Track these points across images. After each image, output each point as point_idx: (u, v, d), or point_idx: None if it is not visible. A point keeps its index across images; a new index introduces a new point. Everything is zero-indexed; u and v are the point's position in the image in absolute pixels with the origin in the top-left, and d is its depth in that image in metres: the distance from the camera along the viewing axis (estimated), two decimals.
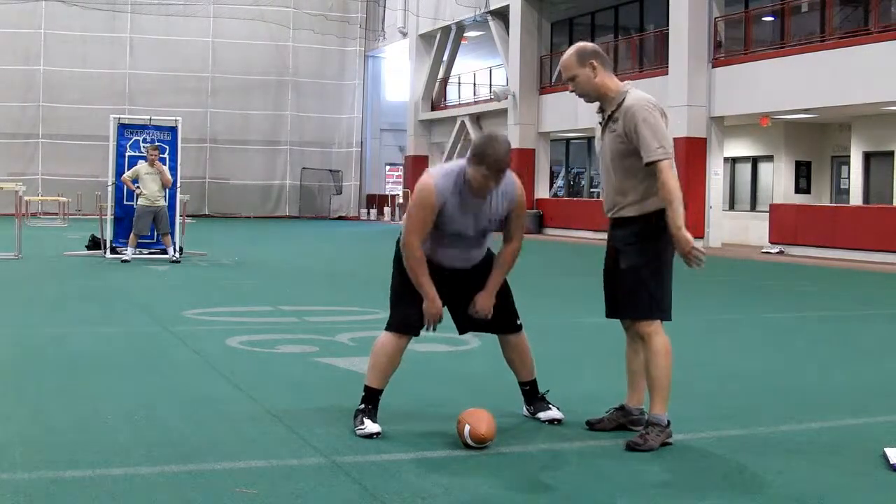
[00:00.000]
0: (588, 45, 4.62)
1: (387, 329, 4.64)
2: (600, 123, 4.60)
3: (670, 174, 4.32)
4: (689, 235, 4.35)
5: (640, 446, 4.32)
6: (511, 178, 4.55)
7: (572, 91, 4.60)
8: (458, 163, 4.54)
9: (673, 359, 4.48)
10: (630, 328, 4.61)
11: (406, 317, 4.58)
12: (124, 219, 15.35)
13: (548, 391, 4.93)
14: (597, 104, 4.61)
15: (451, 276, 4.64)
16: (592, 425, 4.70)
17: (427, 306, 4.53)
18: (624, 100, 4.44)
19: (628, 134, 4.39)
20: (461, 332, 4.91)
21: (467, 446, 4.29)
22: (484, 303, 4.62)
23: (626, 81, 4.59)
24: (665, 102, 23.32)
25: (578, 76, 4.50)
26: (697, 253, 4.34)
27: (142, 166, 14.74)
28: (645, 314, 4.46)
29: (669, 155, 4.35)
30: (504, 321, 4.74)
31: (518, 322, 4.79)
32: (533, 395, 4.90)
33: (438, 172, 4.53)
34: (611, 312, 4.67)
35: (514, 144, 29.22)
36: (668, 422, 4.43)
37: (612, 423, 4.67)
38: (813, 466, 4.19)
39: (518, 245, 4.66)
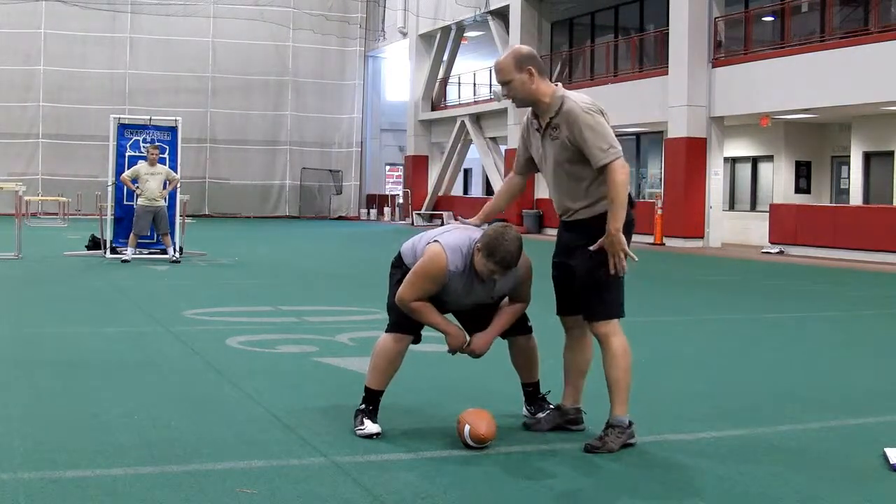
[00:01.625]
0: (525, 48, 4.53)
1: (387, 330, 4.64)
2: (537, 130, 4.52)
3: (621, 172, 4.26)
4: (623, 238, 4.28)
5: (599, 448, 4.27)
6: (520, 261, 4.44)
7: (506, 95, 4.52)
8: (469, 239, 4.44)
9: (632, 359, 4.44)
10: (574, 327, 4.59)
11: (404, 318, 4.56)
12: (124, 219, 15.35)
13: (549, 392, 4.92)
14: (528, 109, 4.53)
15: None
16: (529, 427, 4.68)
17: (450, 341, 4.52)
18: (562, 105, 4.37)
19: (573, 141, 4.33)
20: (470, 334, 4.89)
21: (467, 446, 4.29)
22: (480, 344, 4.54)
23: (557, 85, 4.50)
24: (665, 102, 23.51)
25: (514, 81, 4.41)
26: (623, 263, 4.27)
27: (142, 166, 14.74)
28: (601, 315, 4.40)
29: (619, 153, 4.30)
30: (516, 322, 4.71)
31: (529, 324, 4.77)
32: (534, 396, 4.89)
33: (450, 247, 4.42)
34: (562, 310, 4.63)
35: (514, 144, 29.23)
36: (630, 423, 4.39)
37: (549, 423, 4.65)
38: (813, 466, 4.19)
39: (525, 305, 4.63)
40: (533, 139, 4.60)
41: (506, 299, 4.63)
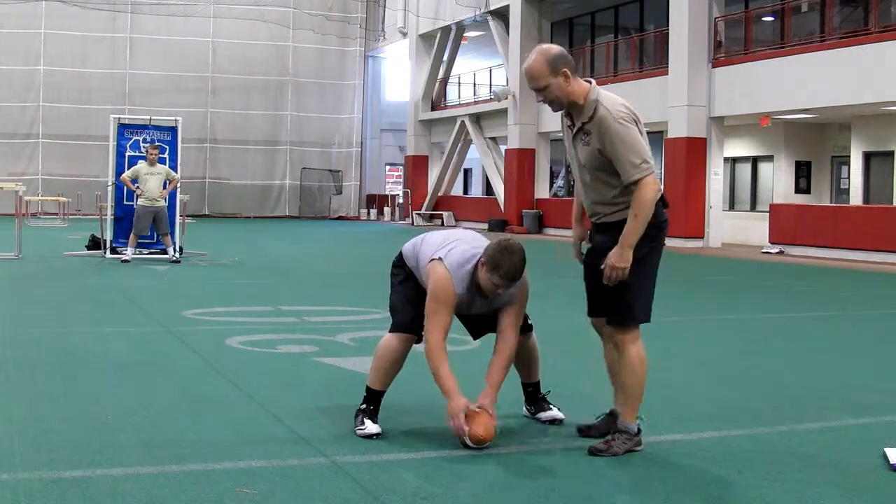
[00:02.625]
0: (554, 48, 4.27)
1: (390, 330, 4.63)
2: (569, 128, 4.36)
3: (650, 189, 4.13)
4: (630, 257, 4.17)
5: (604, 452, 4.24)
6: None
7: (541, 101, 4.30)
8: (472, 255, 4.41)
9: (648, 367, 4.38)
10: (604, 330, 4.49)
11: (407, 318, 4.57)
12: (124, 219, 15.35)
13: (549, 392, 4.92)
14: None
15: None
16: (583, 431, 4.59)
17: (450, 407, 4.33)
18: (595, 111, 4.19)
19: (604, 151, 4.19)
20: (475, 337, 4.88)
21: (466, 447, 4.29)
22: (486, 402, 4.42)
23: (591, 83, 4.29)
24: (665, 102, 23.52)
25: (550, 85, 4.20)
26: (618, 278, 4.18)
27: (141, 166, 14.74)
28: (623, 320, 4.29)
29: (651, 169, 4.17)
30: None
31: (529, 322, 4.76)
32: (534, 396, 4.89)
33: (454, 268, 4.38)
34: (592, 311, 4.56)
35: (514, 144, 29.27)
36: (639, 430, 4.35)
37: (604, 428, 4.54)
38: (813, 466, 4.19)
39: (514, 343, 4.48)
40: (565, 137, 4.45)
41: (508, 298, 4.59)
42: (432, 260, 4.45)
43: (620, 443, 4.27)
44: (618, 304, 4.30)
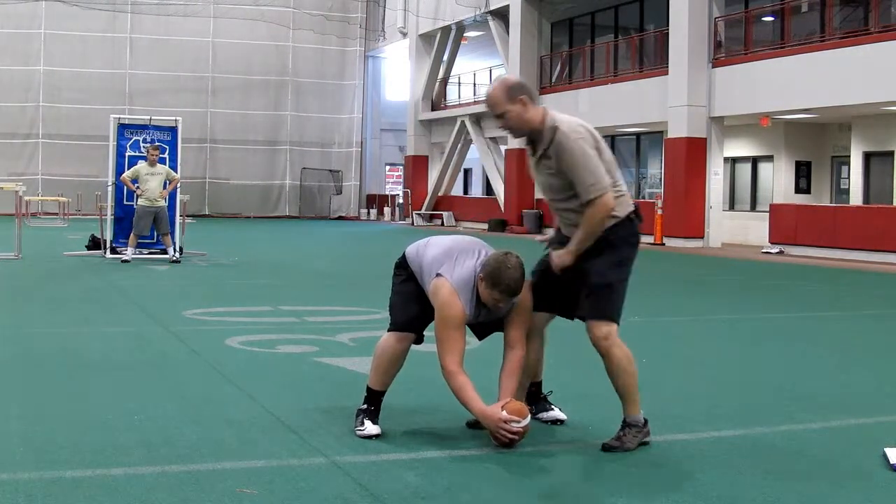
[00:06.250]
0: (513, 78, 4.49)
1: (389, 330, 4.63)
2: (532, 156, 4.51)
3: (602, 209, 4.29)
4: (566, 263, 4.40)
5: (617, 448, 4.30)
6: None
7: (500, 127, 4.48)
8: (473, 270, 4.40)
9: (637, 363, 4.44)
10: (536, 326, 4.61)
11: (406, 317, 4.57)
12: (124, 219, 15.35)
13: (551, 392, 4.92)
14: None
15: None
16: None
17: (488, 419, 4.28)
18: (554, 135, 4.33)
19: (563, 172, 4.34)
20: (480, 338, 4.87)
21: (507, 445, 4.26)
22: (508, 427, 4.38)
23: (543, 107, 4.44)
24: (665, 102, 23.52)
25: (509, 112, 4.36)
26: (565, 264, 4.39)
27: (142, 166, 14.74)
28: (605, 313, 4.36)
29: (605, 188, 4.29)
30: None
31: None
32: (536, 396, 4.89)
33: (460, 286, 4.38)
34: (539, 306, 4.59)
35: (514, 144, 29.23)
36: (646, 420, 4.42)
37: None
38: (813, 466, 4.20)
39: (522, 353, 4.49)
40: (530, 165, 4.58)
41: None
42: (439, 276, 4.43)
43: (632, 436, 4.35)
44: (598, 300, 4.38)
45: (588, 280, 4.40)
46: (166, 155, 15.60)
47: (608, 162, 4.39)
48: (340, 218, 38.11)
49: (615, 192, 4.37)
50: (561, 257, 4.42)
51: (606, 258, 4.37)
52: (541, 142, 4.41)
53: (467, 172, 42.23)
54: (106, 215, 15.94)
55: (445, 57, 34.82)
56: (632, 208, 4.48)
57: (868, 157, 23.20)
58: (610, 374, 4.42)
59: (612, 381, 4.44)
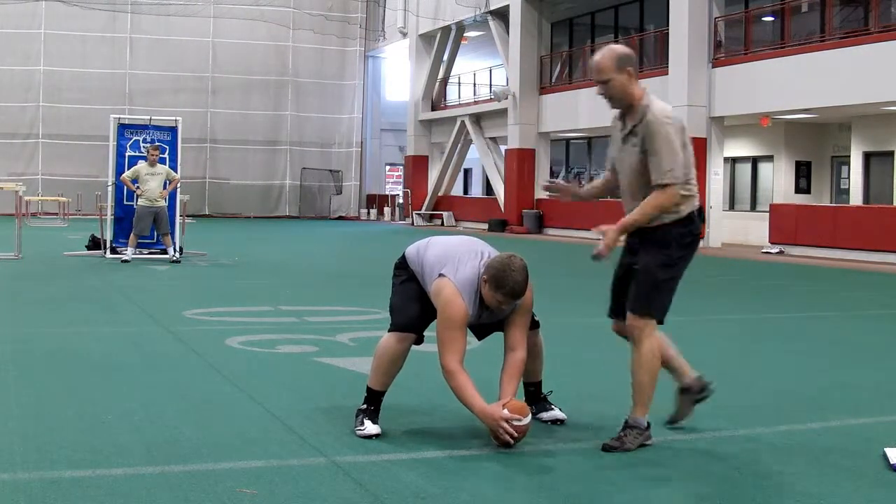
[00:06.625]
0: (624, 48, 4.53)
1: (389, 330, 4.62)
2: (620, 131, 4.56)
3: (667, 198, 4.35)
4: (615, 239, 4.39)
5: (617, 448, 4.32)
6: None
7: (601, 94, 4.52)
8: (475, 271, 4.40)
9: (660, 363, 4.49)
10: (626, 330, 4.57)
11: (407, 317, 4.57)
12: (124, 219, 15.36)
13: (551, 392, 4.92)
14: (616, 111, 4.56)
15: None
16: (674, 421, 4.75)
17: (489, 417, 4.27)
18: (645, 115, 4.40)
19: (646, 151, 4.40)
20: (480, 338, 4.86)
21: (509, 445, 4.26)
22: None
23: (645, 89, 4.52)
24: (665, 102, 23.44)
25: (614, 80, 4.43)
26: (605, 252, 4.35)
27: (142, 166, 14.74)
28: (643, 310, 4.42)
29: (677, 179, 4.36)
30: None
31: (535, 319, 4.74)
32: (536, 396, 4.88)
33: (463, 286, 4.37)
34: (614, 313, 4.66)
35: (514, 144, 29.25)
36: (648, 424, 4.42)
37: (688, 406, 4.73)
38: (813, 466, 4.20)
39: (523, 356, 4.48)
40: (614, 140, 4.64)
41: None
42: (441, 276, 4.43)
43: (632, 438, 4.37)
44: (641, 294, 4.43)
45: (638, 276, 4.46)
46: (166, 155, 15.60)
47: (688, 158, 4.47)
48: (340, 218, 38.11)
49: (685, 190, 4.43)
50: (606, 233, 4.40)
51: (658, 256, 4.43)
52: (632, 117, 4.47)
53: (467, 172, 42.22)
54: (106, 215, 15.95)
55: (445, 57, 34.82)
56: (695, 207, 4.51)
57: (868, 157, 23.20)
58: (633, 366, 4.46)
59: (632, 376, 4.46)
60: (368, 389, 4.63)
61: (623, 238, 4.49)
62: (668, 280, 4.46)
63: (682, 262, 4.51)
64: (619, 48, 4.52)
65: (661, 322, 4.51)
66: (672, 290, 4.50)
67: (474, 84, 36.07)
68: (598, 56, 4.49)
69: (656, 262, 4.43)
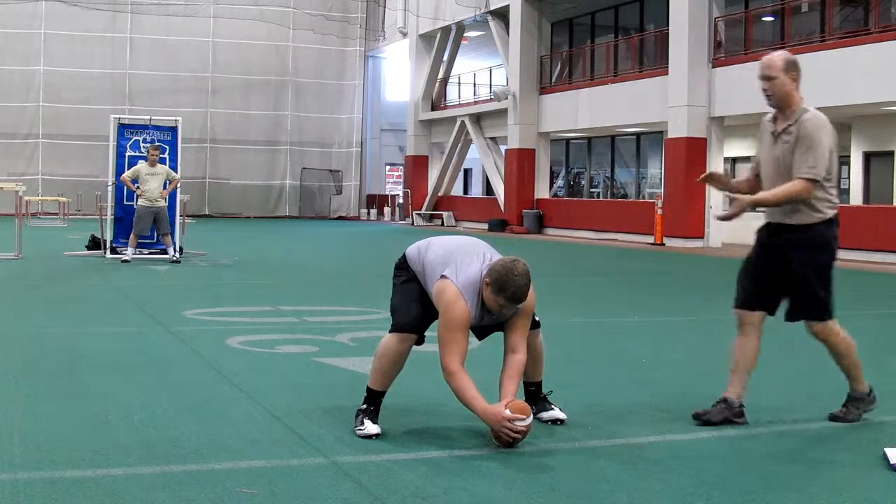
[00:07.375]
0: (794, 57, 4.84)
1: (390, 331, 4.62)
2: (772, 133, 4.84)
3: (802, 190, 4.63)
4: (746, 202, 4.65)
5: (841, 419, 4.90)
6: None
7: (764, 90, 4.79)
8: (478, 273, 4.40)
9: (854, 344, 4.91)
10: (754, 324, 4.92)
11: (408, 318, 4.56)
12: (124, 219, 15.36)
13: (551, 392, 4.92)
14: (770, 113, 4.87)
15: None
16: (700, 416, 4.86)
17: (492, 417, 4.27)
18: (802, 115, 4.72)
19: (798, 145, 4.68)
20: (480, 339, 4.86)
21: (510, 445, 4.26)
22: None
23: (802, 99, 4.80)
24: (665, 102, 23.52)
25: (778, 79, 4.74)
26: (732, 214, 4.65)
27: (142, 166, 14.74)
28: (822, 316, 4.82)
29: (818, 177, 4.64)
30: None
31: (536, 318, 4.74)
32: (536, 395, 4.88)
33: (466, 288, 4.38)
34: (750, 305, 4.94)
35: (514, 144, 29.25)
36: (871, 389, 4.97)
37: (719, 416, 4.84)
38: (812, 466, 4.20)
39: (524, 357, 4.48)
40: (764, 140, 4.91)
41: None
42: (443, 277, 4.43)
43: (854, 409, 4.93)
44: (813, 304, 4.83)
45: (801, 289, 4.81)
46: (166, 155, 15.61)
47: (832, 163, 4.73)
48: (340, 218, 38.11)
49: (824, 192, 4.70)
50: (742, 202, 4.66)
51: (821, 256, 4.76)
52: (786, 117, 4.78)
53: (467, 172, 42.23)
54: (106, 215, 15.95)
55: (445, 57, 34.82)
56: (836, 212, 4.81)
57: (868, 157, 23.20)
58: (835, 358, 4.97)
59: (838, 363, 4.98)
60: (368, 389, 4.63)
61: (748, 210, 4.73)
62: (829, 282, 4.81)
63: (834, 260, 4.84)
64: (790, 55, 4.86)
65: (832, 318, 4.87)
66: (832, 287, 4.83)
67: (474, 84, 36.07)
68: (770, 55, 4.85)
69: (823, 262, 4.78)
